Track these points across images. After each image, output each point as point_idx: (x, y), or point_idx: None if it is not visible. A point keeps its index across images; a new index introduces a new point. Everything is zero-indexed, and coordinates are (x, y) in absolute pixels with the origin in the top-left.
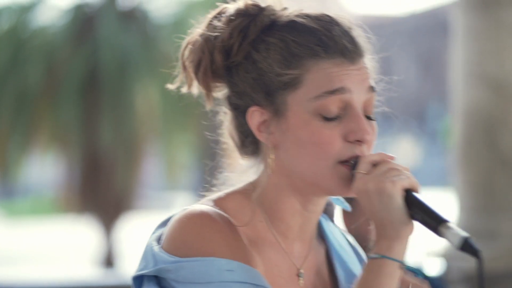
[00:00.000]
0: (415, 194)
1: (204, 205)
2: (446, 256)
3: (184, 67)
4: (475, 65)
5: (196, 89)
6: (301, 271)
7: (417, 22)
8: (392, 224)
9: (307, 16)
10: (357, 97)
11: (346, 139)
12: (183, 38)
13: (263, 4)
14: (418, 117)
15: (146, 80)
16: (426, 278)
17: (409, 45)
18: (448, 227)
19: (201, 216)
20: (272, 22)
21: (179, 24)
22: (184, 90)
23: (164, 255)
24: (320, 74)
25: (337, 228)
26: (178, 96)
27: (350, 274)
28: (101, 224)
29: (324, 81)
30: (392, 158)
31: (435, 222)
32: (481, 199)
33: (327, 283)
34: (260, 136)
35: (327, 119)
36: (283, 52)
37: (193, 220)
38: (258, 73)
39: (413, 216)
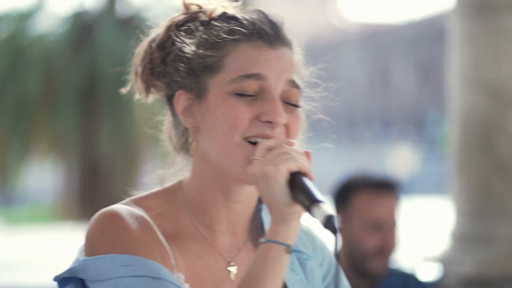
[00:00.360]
0: (301, 177)
1: (119, 205)
2: (443, 261)
3: (135, 73)
4: (472, 70)
5: (151, 97)
6: (232, 264)
7: (415, 30)
8: (277, 208)
9: (241, 10)
10: (274, 84)
11: (258, 118)
12: None
13: (205, 6)
14: (416, 124)
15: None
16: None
17: (407, 53)
18: (319, 207)
19: (107, 215)
20: (209, 19)
21: None
22: (137, 96)
23: (79, 256)
24: (240, 57)
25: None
26: None
27: (296, 276)
28: None
29: (243, 65)
30: (289, 143)
31: (309, 202)
32: (478, 203)
33: None
34: (184, 120)
35: (242, 95)
36: (206, 37)
37: (99, 220)
38: (185, 57)
39: (295, 198)
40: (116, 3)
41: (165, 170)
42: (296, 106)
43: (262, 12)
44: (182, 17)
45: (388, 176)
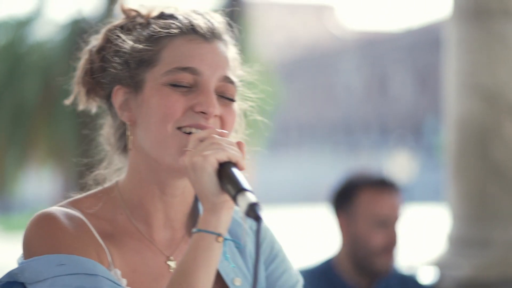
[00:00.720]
0: (230, 167)
1: (54, 207)
2: (440, 264)
3: (78, 82)
4: (468, 76)
5: (94, 108)
6: (171, 258)
7: (413, 38)
8: (207, 197)
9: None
10: (209, 78)
11: (192, 109)
12: None
13: (143, 12)
14: (414, 131)
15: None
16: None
17: (405, 61)
18: (243, 195)
19: (41, 218)
20: (146, 21)
21: None
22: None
23: (18, 260)
24: (175, 51)
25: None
26: None
27: (236, 264)
28: None
29: (178, 57)
30: (221, 134)
31: (234, 191)
32: (474, 208)
33: None
34: (121, 115)
35: (176, 86)
36: (142, 32)
37: (33, 223)
38: (122, 53)
39: (223, 188)
40: (114, 10)
41: (103, 171)
42: (231, 100)
43: (199, 11)
44: (121, 22)
45: (386, 175)
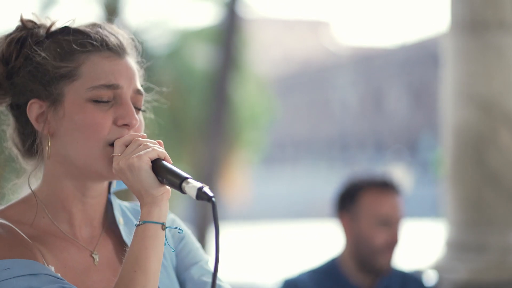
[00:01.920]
0: (162, 162)
1: None
2: (438, 268)
3: None
4: (464, 86)
5: None
6: (95, 252)
7: (408, 53)
8: (146, 193)
9: (79, 25)
10: (126, 91)
11: (115, 123)
12: (178, 67)
13: (38, 22)
14: (409, 147)
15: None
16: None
17: (400, 76)
18: (188, 183)
19: None
20: (46, 33)
21: (174, 53)
22: None
23: None
24: (94, 67)
25: (128, 209)
26: (174, 123)
27: None
28: None
29: (100, 74)
30: (142, 136)
31: (178, 181)
32: (470, 213)
33: (119, 254)
34: (38, 126)
35: (99, 102)
36: (57, 49)
37: None
38: (37, 70)
39: (162, 181)
40: (113, 22)
41: (19, 180)
42: (140, 110)
43: (100, 25)
44: (20, 33)
45: (388, 176)
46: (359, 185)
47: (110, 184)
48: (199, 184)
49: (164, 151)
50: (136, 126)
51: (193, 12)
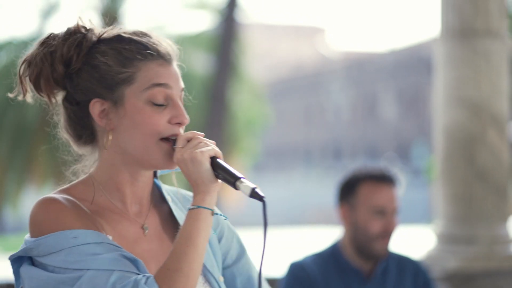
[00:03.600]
0: (218, 160)
1: (51, 194)
2: (430, 259)
3: (21, 81)
4: (455, 89)
5: (30, 98)
6: (145, 225)
7: (400, 58)
8: (203, 183)
9: (126, 32)
10: (176, 92)
11: (169, 122)
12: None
13: (88, 26)
14: (402, 155)
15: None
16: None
17: (393, 82)
18: (242, 182)
19: (46, 201)
20: (98, 39)
21: None
22: (20, 98)
23: (28, 239)
24: (149, 71)
25: (173, 193)
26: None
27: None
28: None
29: (153, 76)
30: (201, 135)
31: (232, 179)
32: (460, 208)
33: (171, 230)
34: (100, 122)
35: (156, 105)
36: (118, 57)
37: (41, 206)
38: (98, 73)
39: (217, 176)
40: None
41: (78, 164)
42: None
43: (146, 34)
44: (77, 37)
45: (386, 168)
46: (358, 178)
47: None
48: (252, 185)
49: (219, 150)
50: (186, 123)
51: (190, 18)
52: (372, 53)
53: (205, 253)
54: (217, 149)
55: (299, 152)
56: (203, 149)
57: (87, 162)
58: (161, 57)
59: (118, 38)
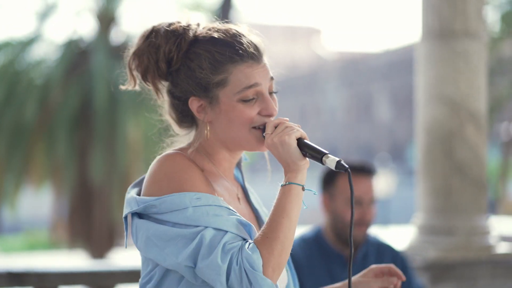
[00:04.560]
0: (304, 140)
1: (173, 151)
2: (411, 249)
3: (130, 72)
4: (435, 88)
5: (138, 87)
6: (239, 195)
7: (395, 58)
8: (293, 162)
9: (219, 30)
10: (265, 86)
11: (260, 113)
12: None
13: (185, 23)
14: (396, 155)
15: (137, 111)
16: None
17: (388, 82)
18: (328, 157)
19: (175, 157)
20: (195, 37)
21: None
22: (129, 87)
23: (146, 198)
24: (240, 74)
25: (241, 176)
26: (167, 126)
27: (262, 211)
28: (94, 257)
29: (244, 79)
30: (286, 120)
31: (319, 155)
32: (440, 201)
33: (248, 204)
34: (199, 116)
35: (246, 101)
36: (211, 61)
37: (169, 160)
38: (194, 75)
39: (305, 155)
40: (109, 30)
41: (174, 137)
42: (275, 93)
43: (236, 32)
44: (176, 37)
45: (365, 161)
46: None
47: None
48: (337, 158)
49: (303, 131)
50: (275, 115)
51: (184, 19)
52: (367, 53)
53: (296, 225)
54: (302, 131)
55: None
56: (289, 132)
57: (181, 138)
58: (250, 58)
59: (212, 40)
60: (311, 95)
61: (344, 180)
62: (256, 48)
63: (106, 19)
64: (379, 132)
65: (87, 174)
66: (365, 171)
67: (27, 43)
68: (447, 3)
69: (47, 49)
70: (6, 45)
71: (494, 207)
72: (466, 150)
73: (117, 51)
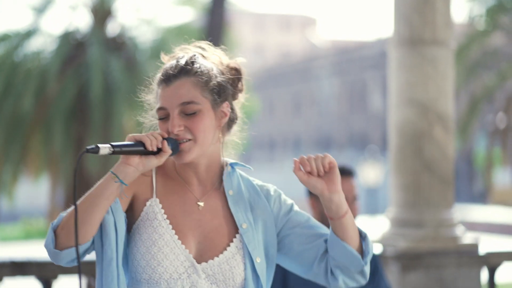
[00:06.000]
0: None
1: None
2: (383, 241)
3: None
4: (405, 91)
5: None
6: (201, 203)
7: (384, 47)
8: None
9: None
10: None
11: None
12: (160, 60)
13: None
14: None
15: (133, 102)
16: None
17: (377, 70)
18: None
19: None
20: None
21: (157, 48)
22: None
23: None
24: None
25: (243, 181)
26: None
27: (242, 209)
28: None
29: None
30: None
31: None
32: (410, 196)
33: (219, 209)
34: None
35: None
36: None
37: None
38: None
39: (114, 153)
40: (105, 22)
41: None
42: (192, 113)
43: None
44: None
45: (345, 164)
46: None
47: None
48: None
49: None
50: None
51: (178, 9)
52: (360, 41)
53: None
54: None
55: (288, 143)
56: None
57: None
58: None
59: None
60: (305, 83)
61: None
62: (175, 67)
63: (102, 11)
64: (373, 121)
65: (83, 164)
66: (345, 172)
67: (24, 36)
68: (417, 13)
69: (44, 41)
70: (4, 37)
71: (484, 197)
72: (434, 149)
73: (112, 42)
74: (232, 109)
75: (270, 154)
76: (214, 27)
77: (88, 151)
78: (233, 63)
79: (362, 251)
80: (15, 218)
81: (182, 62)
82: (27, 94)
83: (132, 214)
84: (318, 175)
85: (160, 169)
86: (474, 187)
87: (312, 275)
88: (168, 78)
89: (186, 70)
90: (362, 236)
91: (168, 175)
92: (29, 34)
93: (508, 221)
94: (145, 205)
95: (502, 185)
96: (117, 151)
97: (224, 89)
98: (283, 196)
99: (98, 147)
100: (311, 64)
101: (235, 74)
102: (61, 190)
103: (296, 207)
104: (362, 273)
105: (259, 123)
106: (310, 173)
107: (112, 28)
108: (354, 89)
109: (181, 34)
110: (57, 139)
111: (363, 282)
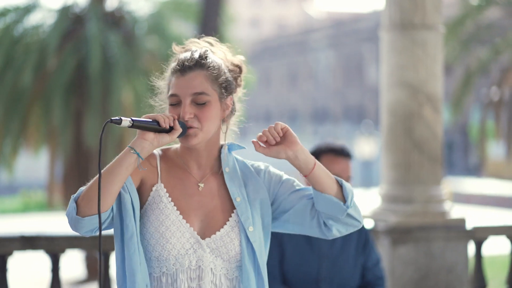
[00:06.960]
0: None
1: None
2: (374, 216)
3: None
4: (396, 73)
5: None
6: (202, 184)
7: (379, 19)
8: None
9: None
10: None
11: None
12: (158, 34)
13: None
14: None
15: (131, 76)
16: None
17: (373, 42)
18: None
19: None
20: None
21: (155, 22)
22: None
23: None
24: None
25: (238, 163)
26: (153, 89)
27: (237, 184)
28: None
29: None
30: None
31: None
32: (400, 174)
33: (224, 192)
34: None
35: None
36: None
37: None
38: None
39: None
40: None
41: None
42: (202, 104)
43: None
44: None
45: (344, 145)
46: (321, 149)
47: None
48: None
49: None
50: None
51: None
52: (356, 13)
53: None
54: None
55: (284, 116)
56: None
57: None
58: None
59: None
60: (301, 56)
61: (327, 158)
62: (190, 58)
63: None
64: (369, 94)
65: (82, 138)
66: (344, 153)
67: (24, 10)
68: None
69: (43, 16)
70: (4, 12)
71: (478, 170)
72: (423, 129)
73: (111, 16)
74: (233, 102)
75: (266, 127)
76: (211, 0)
77: (112, 121)
78: (236, 60)
79: (343, 197)
80: (14, 190)
81: (197, 55)
82: (26, 68)
83: (140, 199)
84: (277, 144)
85: (163, 157)
86: (469, 160)
87: (310, 231)
88: (184, 69)
89: (200, 64)
90: (339, 183)
91: (171, 162)
92: (28, 8)
93: (501, 193)
94: (151, 190)
95: (495, 157)
96: (136, 125)
97: (230, 84)
98: (272, 168)
99: (121, 119)
100: (307, 36)
101: (237, 71)
102: (60, 163)
103: (285, 176)
104: (350, 216)
105: (255, 96)
106: (270, 145)
107: (110, 2)
108: (350, 62)
109: (178, 8)
110: (56, 113)
111: (358, 224)
